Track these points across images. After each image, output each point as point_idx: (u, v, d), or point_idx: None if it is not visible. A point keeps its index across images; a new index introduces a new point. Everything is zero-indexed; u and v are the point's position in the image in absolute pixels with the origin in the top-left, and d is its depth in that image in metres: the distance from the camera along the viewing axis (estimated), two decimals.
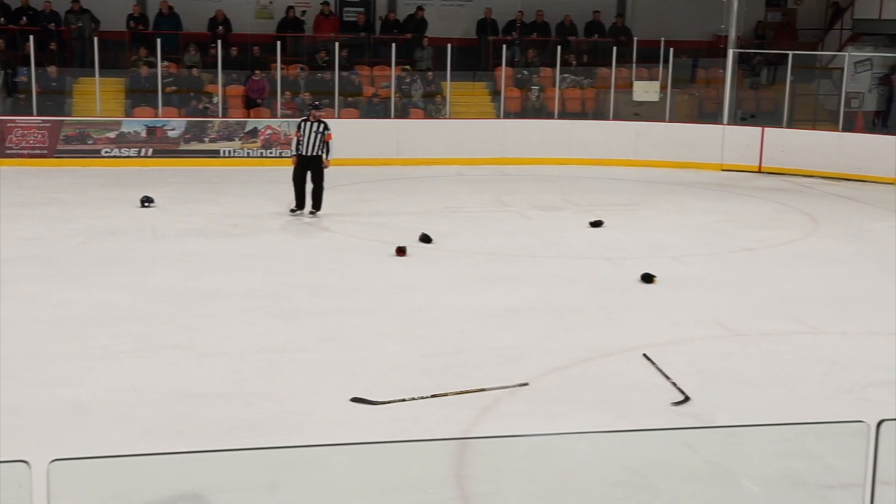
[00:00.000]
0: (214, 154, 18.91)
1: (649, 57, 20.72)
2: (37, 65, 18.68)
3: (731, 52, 20.05)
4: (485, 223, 14.16)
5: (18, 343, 8.40)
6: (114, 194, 15.55)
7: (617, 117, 20.49)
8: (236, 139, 19.03)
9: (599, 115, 20.89)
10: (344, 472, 4.77)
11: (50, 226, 13.22)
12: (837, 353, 8.74)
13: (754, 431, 5.66)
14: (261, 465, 4.63)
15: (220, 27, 20.69)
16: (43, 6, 20.16)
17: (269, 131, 19.09)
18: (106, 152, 18.54)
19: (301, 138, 14.16)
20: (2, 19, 19.80)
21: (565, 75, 20.93)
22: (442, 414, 7.14)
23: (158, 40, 19.07)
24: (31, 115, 18.47)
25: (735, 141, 19.70)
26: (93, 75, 18.87)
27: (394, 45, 19.93)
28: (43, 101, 18.74)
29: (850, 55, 20.60)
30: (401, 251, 11.92)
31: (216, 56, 19.14)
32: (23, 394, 7.31)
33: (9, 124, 18.26)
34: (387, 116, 19.90)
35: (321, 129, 14.12)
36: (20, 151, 18.19)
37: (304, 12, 21.80)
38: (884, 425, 4.55)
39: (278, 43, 19.58)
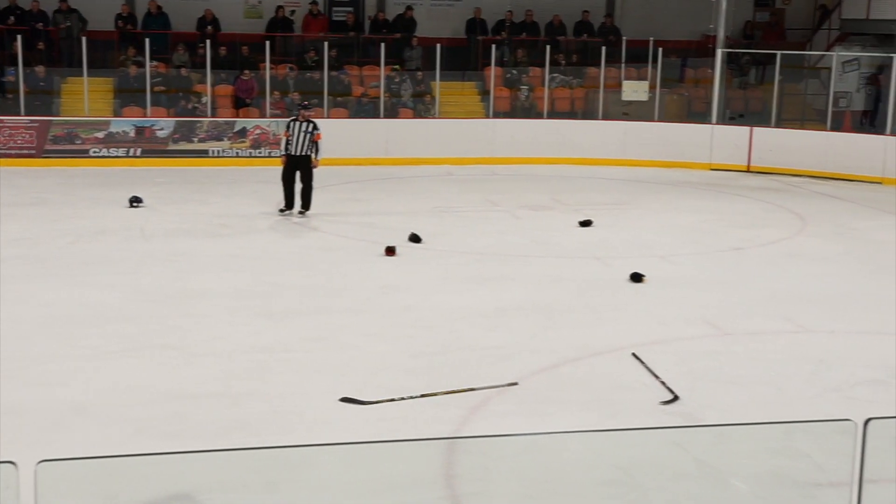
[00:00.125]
0: (203, 154, 18.87)
1: (638, 57, 20.76)
2: (24, 64, 18.62)
3: (719, 52, 20.09)
4: (474, 223, 14.17)
5: (8, 343, 8.36)
6: (102, 194, 15.52)
7: (606, 117, 20.50)
8: (225, 139, 19.00)
9: (589, 114, 20.91)
10: (333, 472, 4.77)
11: (38, 226, 13.18)
12: (825, 351, 8.77)
13: (743, 430, 5.68)
14: (250, 466, 4.63)
15: (209, 27, 20.65)
16: (30, 6, 20.07)
17: (258, 131, 19.06)
18: (94, 152, 18.49)
19: (290, 138, 14.15)
20: None
21: (554, 75, 20.94)
22: (431, 414, 7.14)
23: (147, 40, 19.01)
24: (19, 115, 18.40)
25: (724, 140, 19.75)
26: (81, 75, 18.82)
27: (383, 44, 19.92)
28: (31, 101, 18.67)
29: (837, 55, 20.67)
30: (390, 251, 11.92)
31: (205, 56, 19.10)
32: (12, 394, 7.28)
33: None
34: (376, 116, 19.89)
35: (310, 129, 14.11)
36: (8, 151, 18.11)
37: (293, 12, 21.77)
38: (871, 423, 4.57)
39: (267, 43, 19.54)
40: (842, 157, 18.80)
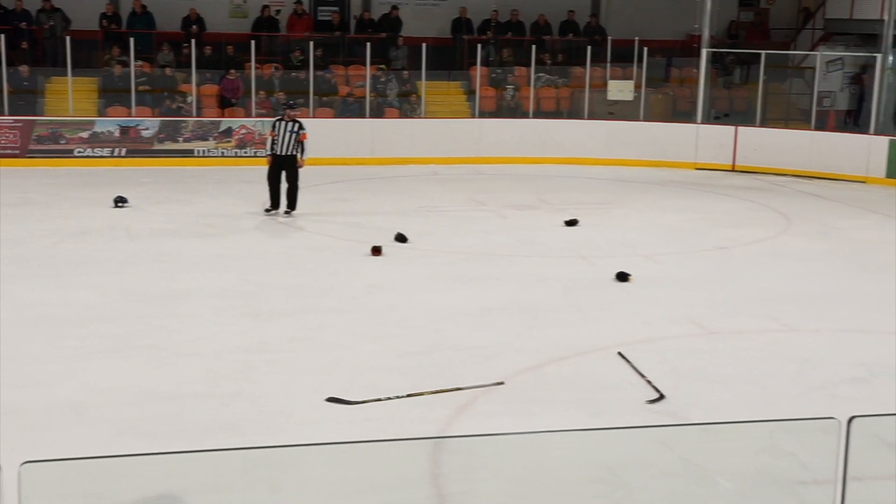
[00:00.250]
0: (188, 154, 18.82)
1: (623, 56, 20.81)
2: (8, 64, 18.51)
3: (704, 52, 20.15)
4: (460, 222, 14.18)
5: None
6: (87, 194, 15.46)
7: (591, 116, 20.53)
8: (210, 139, 18.96)
9: (574, 114, 20.95)
10: (320, 472, 4.77)
11: (22, 226, 13.11)
12: (809, 350, 8.81)
13: (728, 429, 5.71)
14: (236, 466, 4.62)
15: (194, 26, 20.60)
16: (14, 5, 19.98)
17: (243, 131, 19.03)
18: (79, 152, 18.42)
19: (276, 138, 14.13)
20: None
21: (540, 75, 20.97)
22: (417, 413, 7.15)
23: (131, 39, 18.96)
24: (3, 114, 18.31)
25: (708, 140, 19.81)
26: (65, 75, 18.74)
27: (368, 44, 19.91)
28: (14, 101, 18.58)
29: (821, 55, 20.78)
30: (376, 251, 11.91)
31: (190, 55, 19.06)
32: None
33: None
34: (362, 116, 19.87)
35: (296, 129, 14.09)
36: None
37: (278, 11, 21.73)
38: (855, 422, 4.60)
39: (252, 42, 19.52)
40: (826, 157, 18.88)
